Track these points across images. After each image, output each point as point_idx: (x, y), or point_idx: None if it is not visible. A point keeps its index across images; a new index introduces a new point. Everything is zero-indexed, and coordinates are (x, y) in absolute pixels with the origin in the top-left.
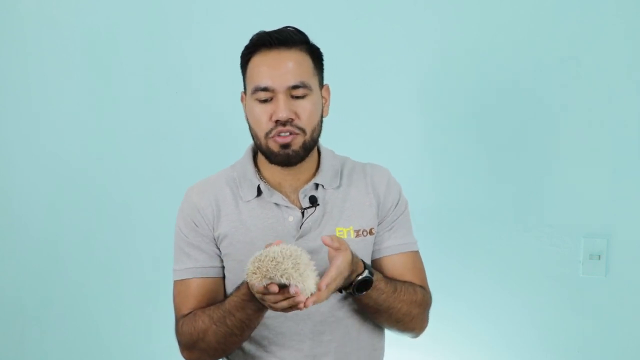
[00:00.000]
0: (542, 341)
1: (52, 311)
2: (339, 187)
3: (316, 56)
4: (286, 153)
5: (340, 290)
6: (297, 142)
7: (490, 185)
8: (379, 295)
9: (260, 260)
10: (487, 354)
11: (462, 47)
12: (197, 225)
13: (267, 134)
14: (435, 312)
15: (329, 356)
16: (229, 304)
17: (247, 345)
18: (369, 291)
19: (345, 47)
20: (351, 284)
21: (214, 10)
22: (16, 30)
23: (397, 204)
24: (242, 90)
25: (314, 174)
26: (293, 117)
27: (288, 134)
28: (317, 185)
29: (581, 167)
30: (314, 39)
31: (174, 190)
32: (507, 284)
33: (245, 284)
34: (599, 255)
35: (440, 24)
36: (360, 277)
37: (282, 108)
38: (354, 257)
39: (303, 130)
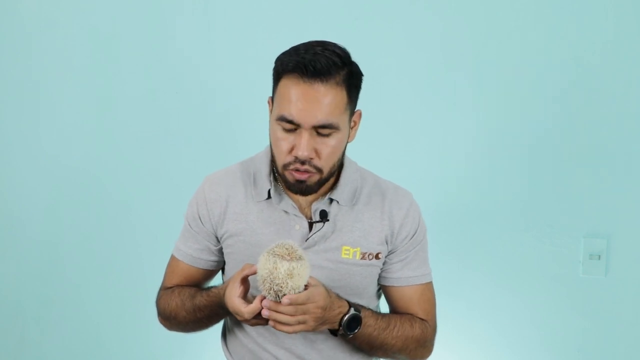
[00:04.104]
0: (542, 341)
1: (52, 311)
2: (354, 205)
3: (353, 85)
4: (300, 188)
5: (333, 332)
6: (312, 180)
7: (490, 185)
8: (370, 332)
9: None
10: (487, 354)
11: (462, 47)
12: (200, 218)
13: (285, 166)
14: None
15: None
16: (199, 301)
17: (245, 339)
18: (360, 329)
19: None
20: (340, 324)
21: (214, 10)
22: (17, 30)
23: (414, 235)
24: (270, 95)
25: (332, 188)
26: (313, 156)
27: (305, 171)
28: (331, 200)
29: (581, 167)
30: (314, 39)
31: (174, 190)
32: (507, 284)
33: (218, 291)
34: (599, 255)
35: (440, 24)
36: (347, 315)
37: (303, 147)
38: (329, 291)
39: (320, 170)
